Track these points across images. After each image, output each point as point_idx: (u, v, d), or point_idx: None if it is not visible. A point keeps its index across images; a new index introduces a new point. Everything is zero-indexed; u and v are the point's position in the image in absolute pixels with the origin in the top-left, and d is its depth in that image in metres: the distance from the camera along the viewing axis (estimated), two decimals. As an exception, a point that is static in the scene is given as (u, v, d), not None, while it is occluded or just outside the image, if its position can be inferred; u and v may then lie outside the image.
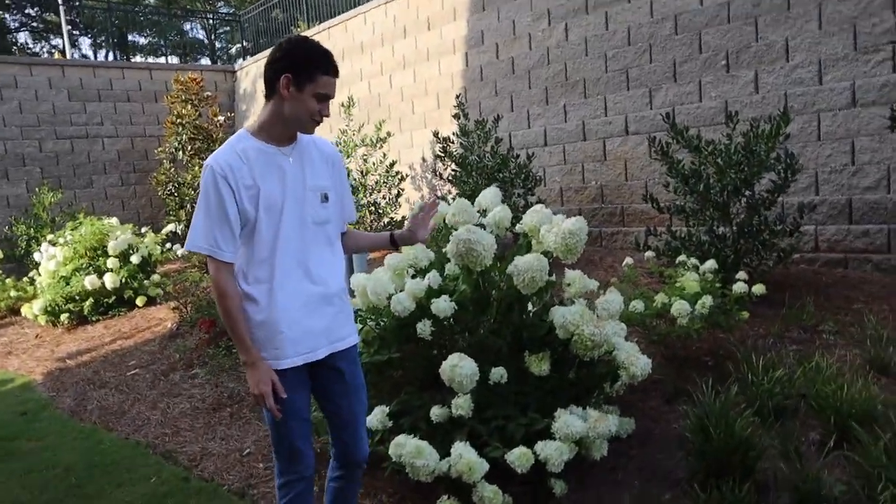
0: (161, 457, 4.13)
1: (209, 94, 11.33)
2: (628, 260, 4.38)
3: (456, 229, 3.20)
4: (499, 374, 2.83)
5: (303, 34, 2.28)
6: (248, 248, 2.13)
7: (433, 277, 2.94)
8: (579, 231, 2.61)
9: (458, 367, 2.58)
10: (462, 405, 2.70)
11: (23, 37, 28.34)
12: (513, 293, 2.82)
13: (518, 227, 3.10)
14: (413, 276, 3.09)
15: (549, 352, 2.93)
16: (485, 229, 3.40)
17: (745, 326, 4.19)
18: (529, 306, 3.13)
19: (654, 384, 3.86)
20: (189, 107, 10.74)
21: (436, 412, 2.86)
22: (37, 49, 27.77)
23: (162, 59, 26.80)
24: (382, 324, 3.12)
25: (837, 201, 5.38)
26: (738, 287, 3.89)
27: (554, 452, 2.61)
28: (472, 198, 6.63)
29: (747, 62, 5.96)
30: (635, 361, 2.96)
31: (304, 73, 2.07)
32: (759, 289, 3.94)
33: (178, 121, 10.53)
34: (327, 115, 2.16)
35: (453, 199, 6.90)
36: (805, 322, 4.28)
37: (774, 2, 5.78)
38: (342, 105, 9.28)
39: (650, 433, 3.38)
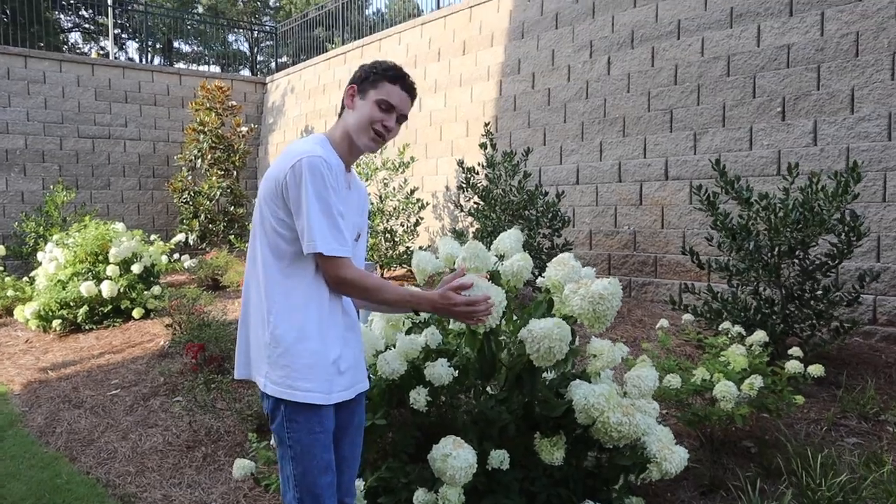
0: (118, 501, 3.66)
1: (234, 103, 11.07)
2: (663, 322, 3.84)
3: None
4: (499, 458, 2.32)
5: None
6: (295, 268, 1.87)
7: (431, 335, 2.45)
8: (611, 296, 2.11)
9: (451, 457, 2.07)
10: (451, 498, 2.19)
11: (74, 37, 28.96)
12: (525, 361, 2.32)
13: (540, 281, 2.60)
14: (409, 330, 2.60)
15: (564, 437, 2.41)
16: (499, 279, 2.92)
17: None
18: (546, 373, 2.63)
19: (687, 471, 3.29)
20: (213, 115, 10.47)
21: (420, 498, 2.35)
22: (85, 49, 28.23)
23: (204, 68, 27.02)
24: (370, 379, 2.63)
25: (901, 272, 4.81)
26: (792, 366, 3.34)
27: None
28: (492, 235, 6.19)
29: (806, 111, 5.44)
30: (669, 456, 2.44)
31: (367, 81, 1.96)
32: (816, 370, 3.38)
33: (200, 128, 10.26)
34: (391, 129, 1.97)
35: (473, 234, 6.45)
36: (865, 409, 3.70)
37: (841, 47, 5.28)
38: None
39: (679, 538, 2.83)
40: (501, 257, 3.11)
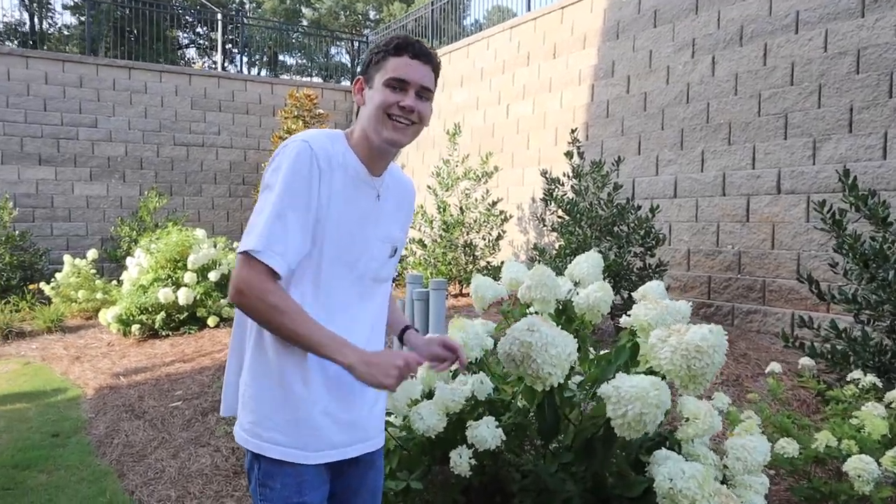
0: (153, 530, 3.42)
1: (321, 111, 11.03)
2: (774, 367, 3.19)
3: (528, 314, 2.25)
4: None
5: None
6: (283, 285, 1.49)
7: (479, 384, 1.99)
8: (712, 349, 1.58)
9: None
10: None
11: (190, 53, 30.91)
12: (601, 426, 1.82)
13: (625, 320, 2.09)
14: (455, 373, 2.15)
15: (643, 522, 1.88)
16: (572, 311, 2.42)
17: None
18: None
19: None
20: (300, 123, 10.46)
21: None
22: (201, 64, 29.96)
23: (307, 80, 27.90)
24: (406, 433, 2.20)
25: None
26: (948, 434, 2.62)
27: None
28: (577, 252, 5.61)
29: (958, 114, 4.57)
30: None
31: (371, 66, 1.56)
32: (980, 440, 2.64)
33: (287, 136, 10.25)
34: (413, 109, 1.52)
35: (556, 251, 5.91)
36: None
37: None
38: (448, 133, 8.56)
39: None
40: (577, 284, 2.62)
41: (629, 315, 2.10)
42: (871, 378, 3.00)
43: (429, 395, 2.14)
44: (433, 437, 2.00)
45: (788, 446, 2.46)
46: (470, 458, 1.95)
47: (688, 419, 2.11)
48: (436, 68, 1.55)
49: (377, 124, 1.51)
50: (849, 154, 5.15)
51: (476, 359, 2.17)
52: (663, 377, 1.78)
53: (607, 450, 1.80)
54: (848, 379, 3.08)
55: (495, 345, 2.32)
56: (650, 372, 1.88)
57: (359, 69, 1.62)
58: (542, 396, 1.86)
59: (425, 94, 1.53)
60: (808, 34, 5.54)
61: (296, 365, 1.48)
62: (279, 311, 1.38)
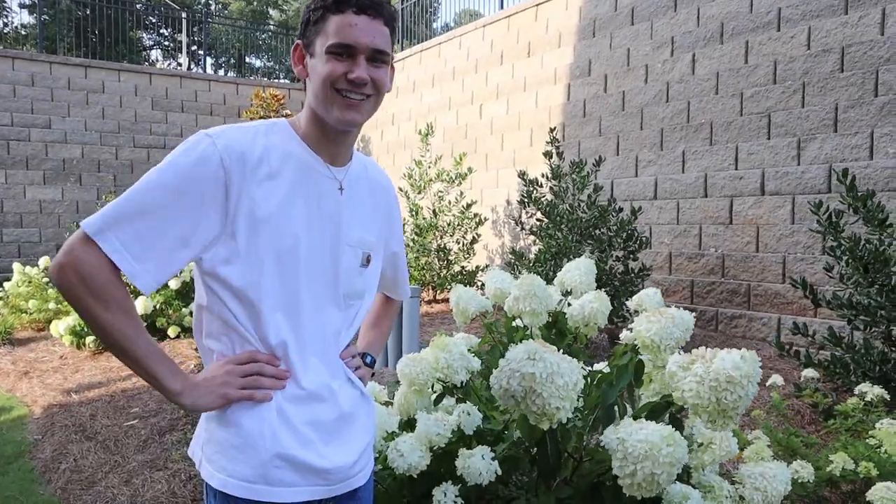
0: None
1: (289, 112, 10.66)
2: (776, 379, 2.98)
3: (514, 329, 2.00)
4: None
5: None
6: (217, 315, 1.23)
7: (466, 415, 1.72)
8: (745, 380, 1.32)
9: None
10: None
11: (155, 54, 30.19)
12: (605, 469, 1.56)
13: (625, 335, 1.84)
14: (439, 398, 1.88)
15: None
16: (564, 324, 2.17)
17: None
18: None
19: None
20: (266, 124, 10.10)
21: None
22: (164, 65, 29.29)
23: (274, 81, 27.46)
24: (382, 467, 1.91)
25: None
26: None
27: None
28: (557, 257, 5.38)
29: (946, 112, 4.45)
30: None
31: (310, 27, 1.24)
32: None
33: (252, 138, 9.89)
34: (366, 80, 1.21)
35: (535, 255, 5.68)
36: None
37: None
38: (420, 133, 8.29)
39: None
40: (568, 293, 2.37)
41: (630, 330, 1.86)
42: (878, 390, 2.80)
43: (408, 424, 1.87)
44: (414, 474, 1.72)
45: (803, 470, 2.23)
46: (455, 497, 1.67)
47: (701, 444, 1.88)
48: (388, 20, 1.24)
49: (326, 104, 1.22)
50: (835, 154, 5.01)
51: (461, 383, 1.90)
52: (681, 408, 1.53)
53: (617, 501, 1.53)
54: (855, 392, 2.88)
55: (481, 363, 2.06)
56: (664, 399, 1.64)
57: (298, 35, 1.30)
58: (542, 434, 1.59)
59: (381, 57, 1.23)
60: (791, 31, 5.40)
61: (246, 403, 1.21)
62: (104, 304, 1.10)
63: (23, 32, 25.97)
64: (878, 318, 3.49)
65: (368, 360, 1.47)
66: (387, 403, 2.00)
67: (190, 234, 1.15)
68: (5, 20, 25.82)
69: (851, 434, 2.62)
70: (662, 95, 6.37)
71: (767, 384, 3.05)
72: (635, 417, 1.61)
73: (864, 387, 2.85)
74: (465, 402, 1.77)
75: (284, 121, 1.31)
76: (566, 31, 7.62)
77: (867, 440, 2.40)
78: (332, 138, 1.28)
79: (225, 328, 1.23)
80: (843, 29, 5.07)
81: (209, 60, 16.36)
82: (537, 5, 8.07)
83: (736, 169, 5.64)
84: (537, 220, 5.79)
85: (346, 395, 1.32)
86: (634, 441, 1.35)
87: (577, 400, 1.47)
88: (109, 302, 1.11)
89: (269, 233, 1.19)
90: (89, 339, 6.79)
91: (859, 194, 3.38)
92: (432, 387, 1.94)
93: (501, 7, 9.44)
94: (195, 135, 1.20)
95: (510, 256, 6.00)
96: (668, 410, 1.59)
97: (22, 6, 25.53)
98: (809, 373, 3.20)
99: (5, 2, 25.01)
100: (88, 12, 16.53)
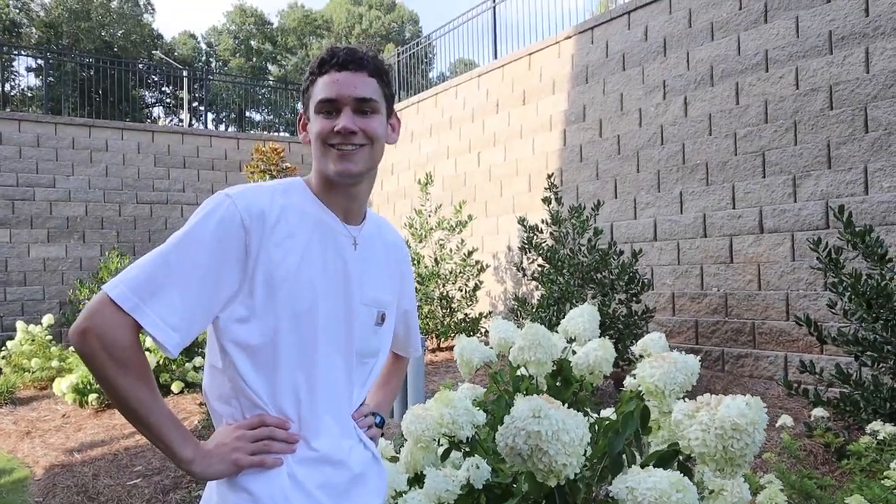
0: None
1: (288, 165, 10.82)
2: (785, 420, 2.95)
3: (520, 379, 2.00)
4: None
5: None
6: (229, 378, 1.24)
7: (475, 469, 1.71)
8: (752, 426, 1.33)
9: None
10: None
11: (157, 111, 30.86)
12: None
13: (629, 381, 1.83)
14: (446, 453, 1.86)
15: None
16: (569, 372, 2.16)
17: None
18: None
19: None
20: (267, 177, 10.22)
21: None
22: (166, 122, 29.93)
23: (274, 134, 27.99)
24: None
25: None
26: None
27: None
28: (559, 302, 5.38)
29: (937, 147, 4.51)
30: None
31: (305, 95, 1.33)
32: None
33: (254, 191, 10.00)
34: (352, 130, 1.25)
35: (538, 301, 5.67)
36: None
37: (979, 69, 4.38)
38: (419, 182, 8.39)
39: None
40: (572, 340, 2.37)
41: (634, 376, 1.85)
42: (890, 428, 2.77)
43: (416, 479, 1.85)
44: (423, 532, 1.70)
45: (818, 514, 2.20)
46: (466, 556, 1.65)
47: (712, 491, 1.85)
48: (375, 71, 1.28)
49: (322, 158, 1.27)
50: (830, 190, 5.06)
51: (467, 438, 1.88)
52: (689, 457, 1.52)
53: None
54: (867, 430, 2.84)
55: (486, 415, 2.05)
56: (671, 446, 1.62)
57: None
58: (550, 490, 1.58)
59: (366, 106, 1.26)
60: (779, 72, 5.52)
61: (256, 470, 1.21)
62: (124, 371, 1.11)
63: (29, 94, 26.57)
64: (886, 353, 3.48)
65: (378, 420, 1.47)
66: (393, 459, 1.98)
67: (214, 295, 1.17)
68: (12, 83, 26.43)
69: (866, 474, 2.58)
70: (657, 138, 6.47)
71: (777, 425, 3.01)
72: (644, 465, 1.59)
73: (876, 425, 2.82)
74: (473, 455, 1.76)
75: (300, 180, 1.34)
76: (559, 79, 7.78)
77: (882, 481, 2.36)
78: (340, 192, 1.31)
79: (234, 392, 1.23)
80: (829, 68, 5.18)
81: (210, 115, 16.61)
82: (530, 54, 8.26)
83: (734, 208, 5.69)
84: (539, 265, 5.81)
85: (358, 456, 1.32)
86: (643, 489, 1.34)
87: (584, 453, 1.46)
88: (130, 368, 1.12)
89: (286, 291, 1.21)
90: (92, 397, 6.75)
91: (857, 230, 3.40)
92: (438, 441, 1.93)
93: (495, 56, 9.66)
94: (215, 196, 1.23)
95: (513, 302, 5.99)
96: (676, 458, 1.58)
97: (28, 69, 26.15)
98: (819, 412, 3.17)
99: (13, 66, 25.62)
100: (92, 73, 16.95)
